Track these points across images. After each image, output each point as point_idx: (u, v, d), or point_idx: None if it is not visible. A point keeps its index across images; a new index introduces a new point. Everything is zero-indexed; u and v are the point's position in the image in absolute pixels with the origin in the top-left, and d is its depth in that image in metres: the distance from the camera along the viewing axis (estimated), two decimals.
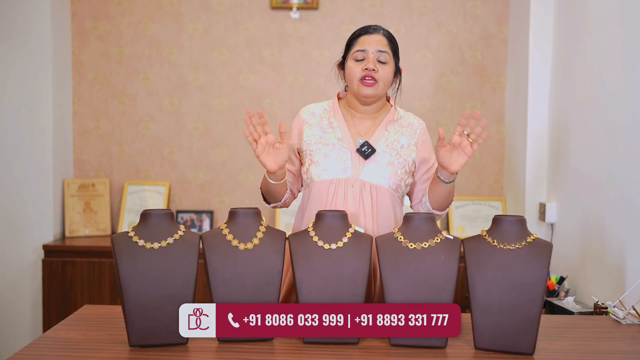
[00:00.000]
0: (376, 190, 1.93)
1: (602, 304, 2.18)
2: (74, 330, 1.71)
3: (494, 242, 1.61)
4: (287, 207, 2.08)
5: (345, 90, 2.06)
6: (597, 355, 1.57)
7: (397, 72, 2.02)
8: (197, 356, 1.54)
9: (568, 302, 2.54)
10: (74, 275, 3.27)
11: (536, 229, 3.12)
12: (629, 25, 2.35)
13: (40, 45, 3.34)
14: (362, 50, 1.93)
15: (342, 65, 2.03)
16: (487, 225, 1.93)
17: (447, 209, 2.01)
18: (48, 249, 3.30)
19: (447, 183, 1.88)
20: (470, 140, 1.78)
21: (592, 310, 2.32)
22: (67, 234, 3.48)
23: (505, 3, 3.54)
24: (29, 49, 3.34)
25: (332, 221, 1.69)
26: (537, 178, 3.18)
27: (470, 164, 3.59)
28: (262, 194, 2.04)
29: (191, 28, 3.59)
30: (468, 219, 3.53)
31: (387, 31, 2.00)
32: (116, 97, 3.63)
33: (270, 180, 1.91)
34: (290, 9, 3.54)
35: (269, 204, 2.04)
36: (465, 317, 1.79)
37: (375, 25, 2.00)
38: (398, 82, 2.05)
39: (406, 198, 2.11)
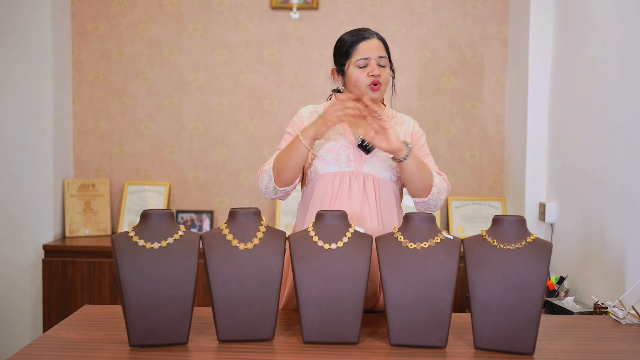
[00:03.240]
0: (378, 183, 1.99)
1: (602, 304, 2.19)
2: (74, 330, 1.71)
3: (494, 242, 1.61)
4: (286, 198, 2.06)
5: (340, 91, 2.10)
6: (597, 355, 1.57)
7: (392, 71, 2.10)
8: (197, 356, 1.54)
9: (568, 302, 2.54)
10: (74, 275, 3.27)
11: (536, 229, 3.12)
12: (629, 25, 2.35)
13: (40, 46, 3.34)
14: (365, 58, 1.99)
15: (339, 70, 2.07)
16: (487, 225, 1.93)
17: (428, 196, 1.96)
18: (48, 249, 3.30)
19: (401, 161, 1.91)
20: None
21: (592, 310, 2.32)
22: (67, 234, 3.48)
23: (505, 3, 3.54)
24: (29, 49, 3.34)
25: (332, 221, 1.69)
26: (537, 178, 3.18)
27: (470, 164, 3.59)
28: (281, 176, 1.95)
29: (191, 28, 3.59)
30: (468, 219, 3.53)
31: (379, 34, 2.07)
32: (116, 97, 3.63)
33: (307, 145, 1.90)
34: (290, 9, 3.54)
35: (280, 186, 1.97)
36: (465, 317, 1.79)
37: (369, 30, 2.06)
38: (392, 81, 2.14)
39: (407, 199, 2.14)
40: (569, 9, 2.93)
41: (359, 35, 2.03)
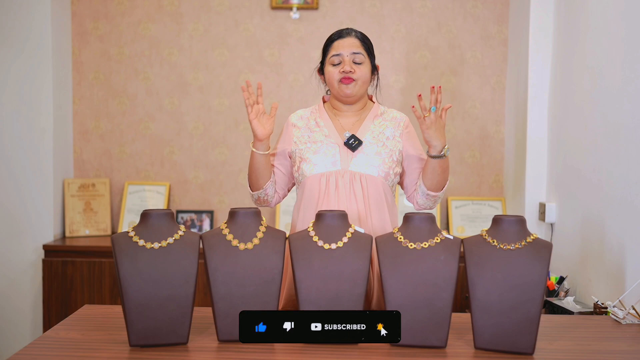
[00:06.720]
0: (366, 180, 2.01)
1: (602, 304, 2.19)
2: (74, 330, 1.71)
3: (493, 242, 1.61)
4: (270, 204, 2.15)
5: (328, 94, 2.18)
6: (597, 355, 1.57)
7: (374, 69, 2.13)
8: (197, 356, 1.54)
9: (568, 302, 2.54)
10: (74, 275, 3.27)
11: (536, 229, 3.12)
12: (629, 25, 2.35)
13: (40, 46, 3.34)
14: (337, 55, 2.05)
15: (321, 70, 2.15)
16: (487, 225, 1.93)
17: (443, 190, 2.06)
18: (48, 249, 3.30)
19: (438, 158, 1.97)
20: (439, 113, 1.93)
21: (592, 310, 2.32)
22: (67, 233, 3.48)
23: (505, 3, 3.54)
24: (29, 49, 3.34)
25: (332, 221, 1.69)
26: (537, 178, 3.18)
27: (470, 164, 3.59)
28: (249, 180, 2.10)
29: (191, 28, 3.59)
30: (468, 219, 3.53)
31: (360, 32, 2.11)
32: (116, 97, 3.63)
33: (257, 150, 2.00)
34: (290, 9, 3.54)
35: (253, 191, 2.10)
36: (465, 317, 1.79)
37: (348, 29, 2.11)
38: (376, 79, 2.16)
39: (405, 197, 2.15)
40: (569, 9, 2.93)
41: (336, 34, 2.10)
